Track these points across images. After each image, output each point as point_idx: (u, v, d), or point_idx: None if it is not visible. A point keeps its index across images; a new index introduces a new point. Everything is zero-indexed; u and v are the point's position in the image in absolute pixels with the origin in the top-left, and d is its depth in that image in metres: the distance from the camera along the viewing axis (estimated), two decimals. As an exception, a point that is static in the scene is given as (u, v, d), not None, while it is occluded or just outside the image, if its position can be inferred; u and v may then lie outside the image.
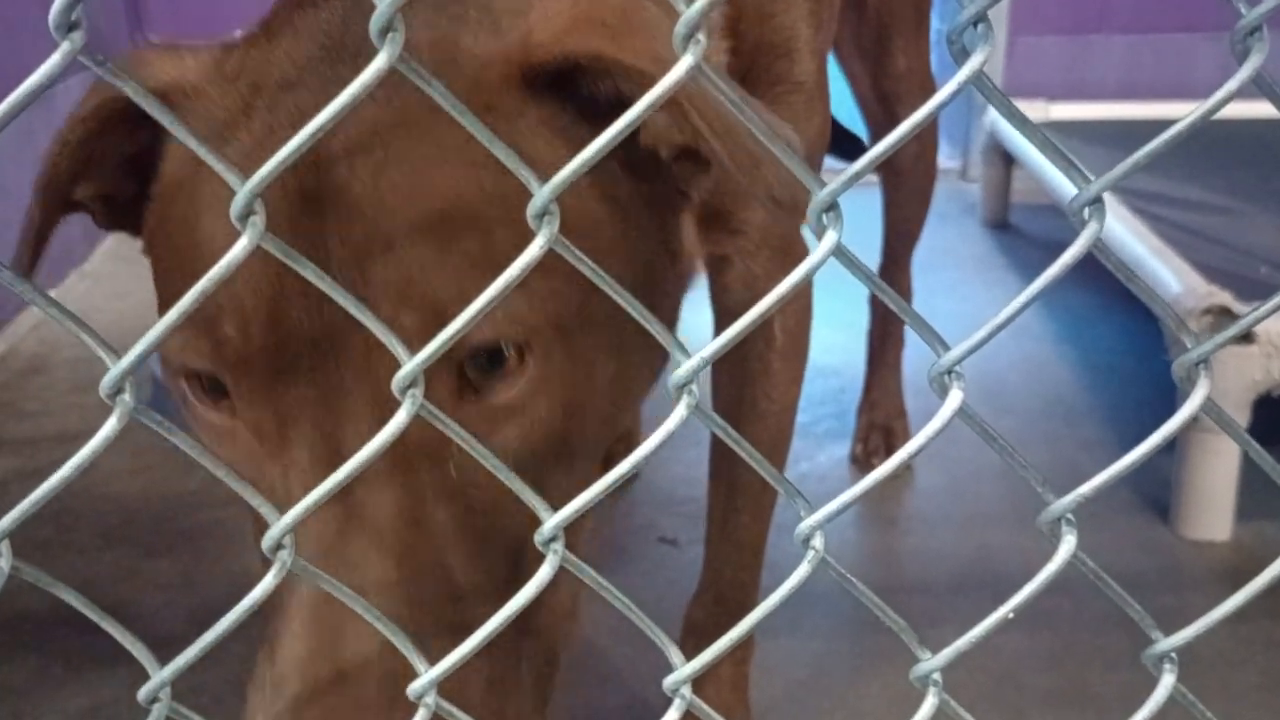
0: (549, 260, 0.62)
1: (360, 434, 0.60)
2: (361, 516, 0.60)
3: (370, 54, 0.61)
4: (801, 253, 1.05)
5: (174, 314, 0.40)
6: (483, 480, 0.62)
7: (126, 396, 0.41)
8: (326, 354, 0.60)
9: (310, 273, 0.42)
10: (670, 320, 0.79)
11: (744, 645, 1.17)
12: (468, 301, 0.58)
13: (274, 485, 0.63)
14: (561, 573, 0.69)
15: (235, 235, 0.60)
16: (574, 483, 0.69)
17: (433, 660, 0.50)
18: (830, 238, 0.43)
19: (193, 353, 0.63)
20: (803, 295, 1.09)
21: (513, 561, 0.66)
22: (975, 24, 0.41)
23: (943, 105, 0.41)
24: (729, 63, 0.89)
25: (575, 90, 0.65)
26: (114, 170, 0.72)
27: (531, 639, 0.67)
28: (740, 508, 1.13)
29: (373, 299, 0.59)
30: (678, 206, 0.74)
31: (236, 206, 0.39)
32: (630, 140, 0.64)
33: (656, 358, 0.75)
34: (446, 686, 0.51)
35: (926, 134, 1.80)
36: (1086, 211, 0.44)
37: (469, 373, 0.62)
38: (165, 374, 0.67)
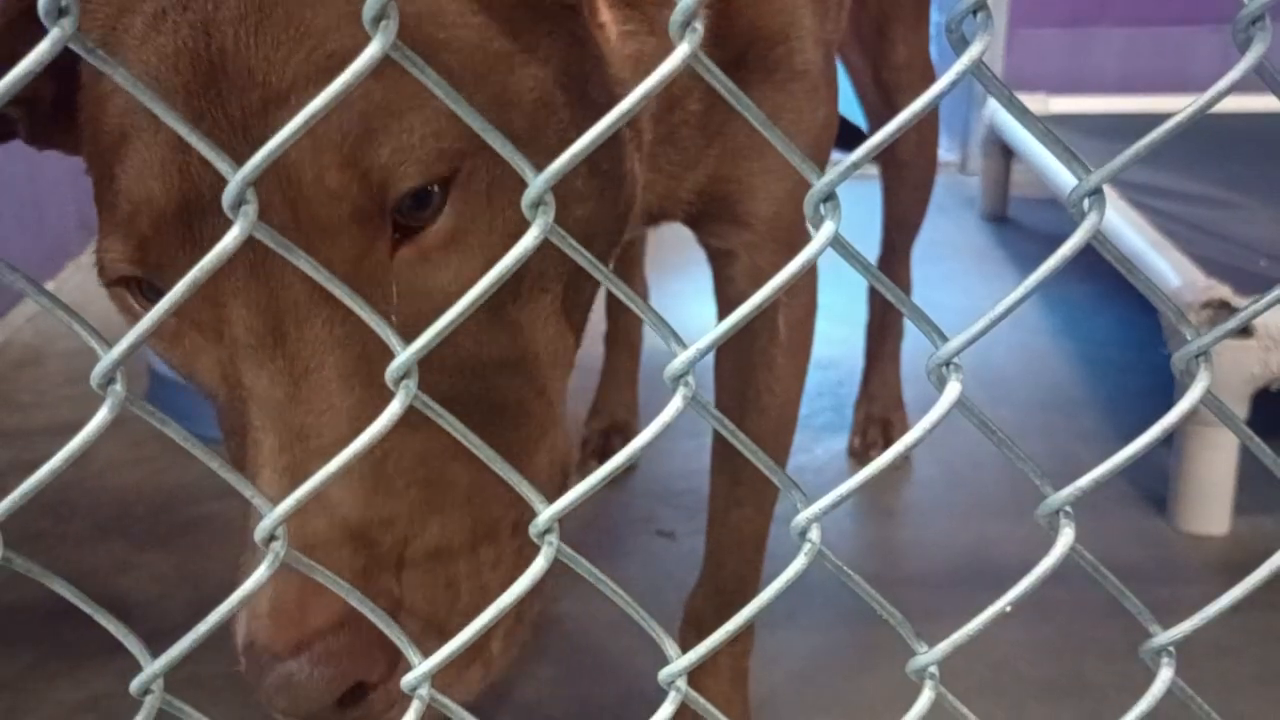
0: (465, 85, 0.61)
1: (294, 298, 0.60)
2: (310, 374, 0.60)
3: None
4: (806, 245, 1.04)
5: (165, 303, 0.40)
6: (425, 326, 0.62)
7: (118, 386, 0.41)
8: (271, 264, 0.59)
9: (304, 263, 0.42)
10: (620, 190, 0.76)
11: (743, 638, 1.17)
12: (378, 142, 0.57)
13: (225, 371, 0.63)
14: (546, 436, 0.69)
15: (157, 141, 0.60)
16: (542, 311, 0.69)
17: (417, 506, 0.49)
18: (828, 228, 0.42)
19: (121, 260, 0.63)
20: (807, 289, 1.09)
21: (496, 405, 0.66)
22: (974, 12, 0.40)
23: (942, 94, 0.41)
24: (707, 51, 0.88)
25: None
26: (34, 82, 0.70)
27: (498, 543, 0.66)
28: (743, 500, 1.12)
29: (293, 173, 0.58)
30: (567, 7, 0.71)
31: (228, 196, 0.39)
32: None
33: (612, 182, 0.73)
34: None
35: (927, 126, 1.79)
36: (1086, 203, 0.44)
37: (399, 219, 0.61)
38: (110, 293, 0.67)
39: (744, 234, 1.00)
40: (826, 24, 1.00)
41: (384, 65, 0.59)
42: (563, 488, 0.70)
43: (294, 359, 0.60)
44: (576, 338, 0.75)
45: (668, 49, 0.39)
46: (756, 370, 1.08)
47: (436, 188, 0.61)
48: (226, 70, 0.59)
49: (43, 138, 0.74)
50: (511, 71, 0.65)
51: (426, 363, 0.44)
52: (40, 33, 0.66)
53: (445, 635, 0.56)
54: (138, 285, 0.65)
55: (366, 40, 0.58)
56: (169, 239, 0.61)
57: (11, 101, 0.69)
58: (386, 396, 0.58)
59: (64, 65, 0.67)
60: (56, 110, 0.71)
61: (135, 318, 0.65)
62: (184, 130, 0.38)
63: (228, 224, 0.57)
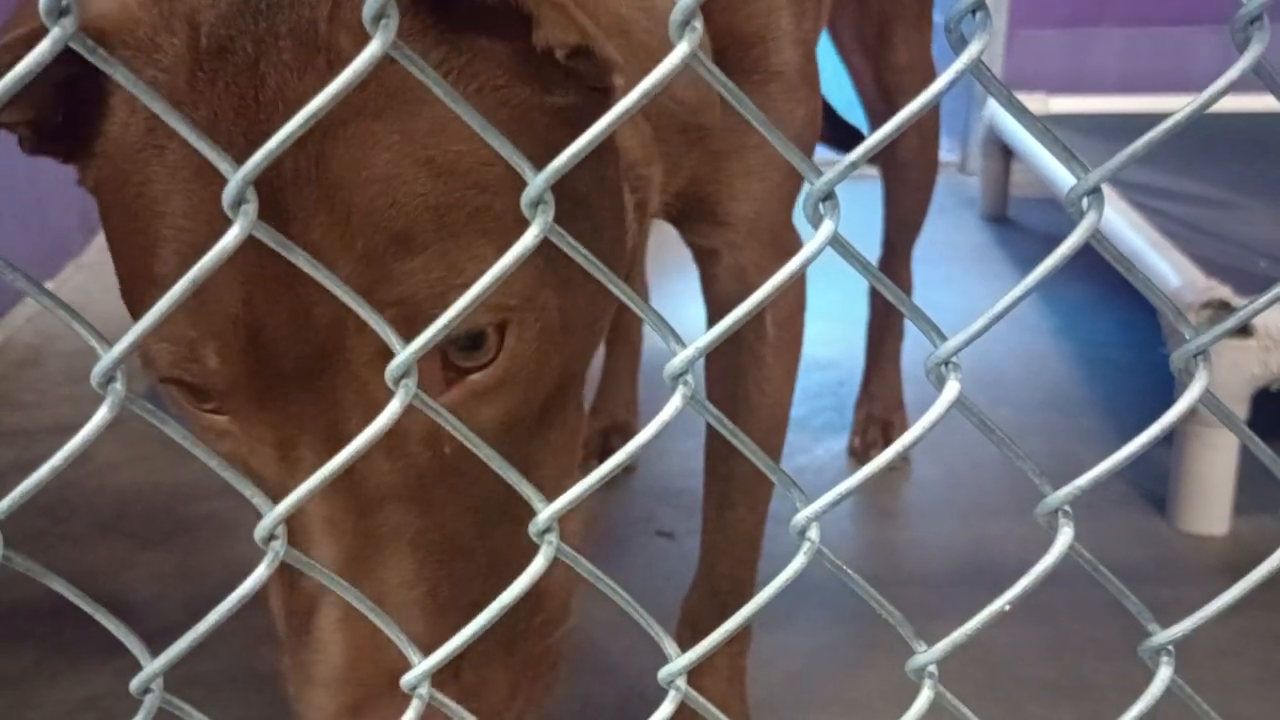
0: (509, 227, 0.61)
1: (350, 429, 0.61)
2: (372, 515, 0.62)
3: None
4: (791, 243, 1.04)
5: (164, 304, 0.40)
6: (478, 464, 0.64)
7: (118, 385, 0.41)
8: (308, 360, 0.61)
9: (304, 261, 0.42)
10: (624, 249, 0.78)
11: (740, 637, 1.17)
12: (437, 293, 0.58)
13: (283, 486, 0.63)
14: (555, 566, 0.70)
15: (198, 211, 0.59)
16: (567, 434, 0.72)
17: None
18: (827, 228, 0.42)
19: (181, 371, 0.63)
20: (795, 288, 1.09)
21: (510, 517, 0.67)
22: (973, 12, 0.40)
23: (941, 94, 0.41)
24: None
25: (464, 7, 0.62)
26: (42, 97, 0.67)
27: (526, 638, 0.69)
28: (736, 501, 1.12)
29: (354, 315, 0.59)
30: (599, 111, 0.71)
31: (229, 194, 0.39)
32: (526, 46, 0.63)
33: (619, 266, 0.75)
34: (439, 677, 0.52)
35: (928, 127, 1.79)
36: (1085, 202, 0.44)
37: (452, 356, 0.63)
38: (148, 374, 0.66)
39: (726, 233, 1.00)
40: (804, 24, 1.00)
41: (452, 210, 0.59)
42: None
43: (354, 493, 0.62)
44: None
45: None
46: (746, 370, 1.08)
47: (491, 331, 0.63)
48: (290, 190, 0.59)
49: (42, 151, 0.73)
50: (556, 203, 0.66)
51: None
52: (66, 59, 0.65)
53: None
54: (185, 385, 0.64)
55: (444, 191, 0.59)
56: (238, 368, 0.61)
57: (18, 118, 0.69)
58: (442, 520, 0.63)
59: (76, 91, 0.67)
60: (62, 132, 0.70)
61: (184, 411, 0.65)
62: (194, 138, 0.38)
63: (293, 341, 0.59)
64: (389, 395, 0.60)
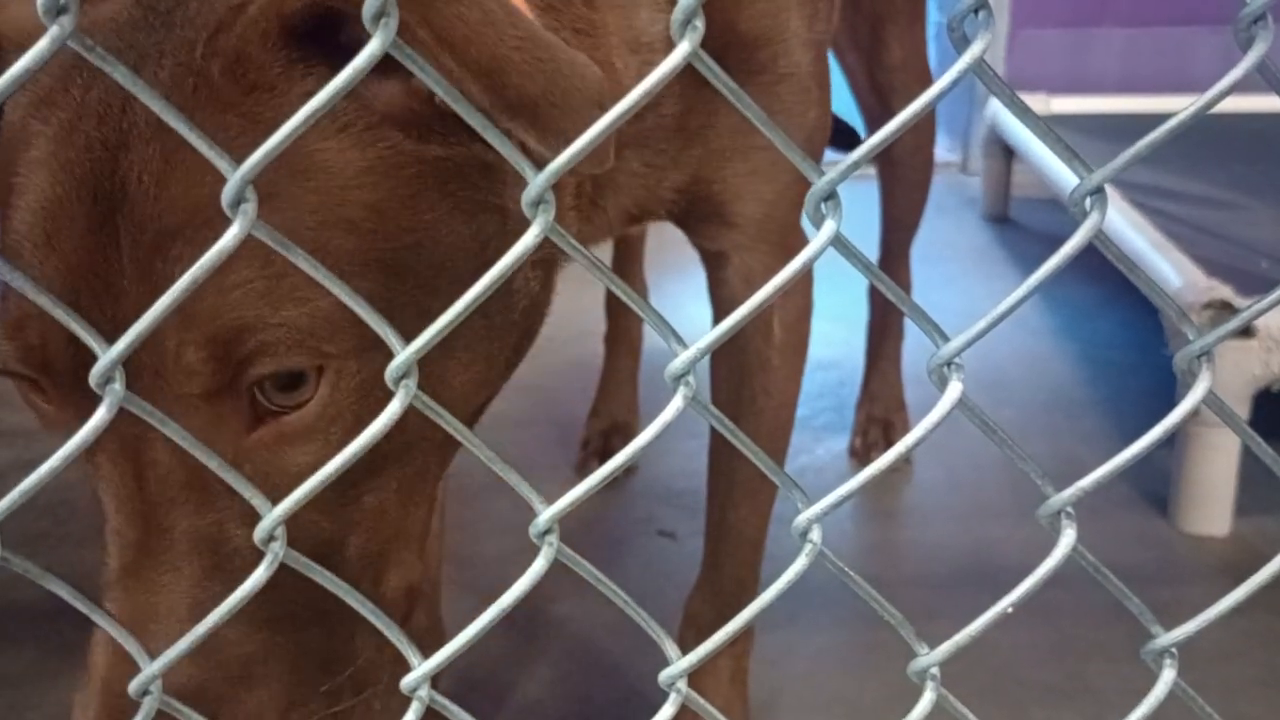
0: (347, 273, 0.59)
1: (155, 444, 0.61)
2: (164, 543, 0.63)
3: (179, 18, 0.59)
4: (800, 246, 1.04)
5: (162, 304, 0.40)
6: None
7: (117, 385, 0.41)
8: (130, 382, 0.59)
9: (304, 261, 0.42)
10: (534, 308, 0.75)
11: (743, 639, 1.17)
12: (261, 320, 0.57)
13: (93, 485, 0.65)
14: (399, 560, 0.69)
15: (45, 224, 0.59)
16: (392, 497, 0.68)
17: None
18: (829, 227, 0.42)
19: (7, 355, 0.62)
20: (802, 290, 1.08)
21: (343, 559, 0.66)
22: (975, 11, 0.40)
23: (943, 93, 0.41)
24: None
25: (338, 41, 0.60)
26: None
27: (326, 690, 0.67)
28: (739, 502, 1.12)
29: (159, 331, 0.56)
30: (473, 169, 0.67)
31: (228, 194, 0.39)
32: (371, 96, 0.61)
33: (492, 364, 0.71)
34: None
35: (923, 126, 1.79)
36: (1088, 202, 0.44)
37: (267, 394, 0.61)
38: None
39: (734, 235, 1.00)
40: (816, 25, 1.00)
41: (275, 255, 0.56)
42: (408, 611, 0.71)
43: (148, 518, 0.64)
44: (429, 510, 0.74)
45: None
46: (752, 372, 1.07)
47: (309, 375, 0.61)
48: (124, 194, 0.59)
49: None
50: (407, 252, 0.64)
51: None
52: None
53: None
54: (18, 377, 0.64)
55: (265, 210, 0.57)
56: (56, 350, 0.60)
57: None
58: (227, 583, 0.59)
59: None
60: None
61: (35, 409, 0.65)
62: (194, 138, 0.38)
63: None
64: (196, 433, 0.59)
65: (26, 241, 0.61)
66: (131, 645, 0.49)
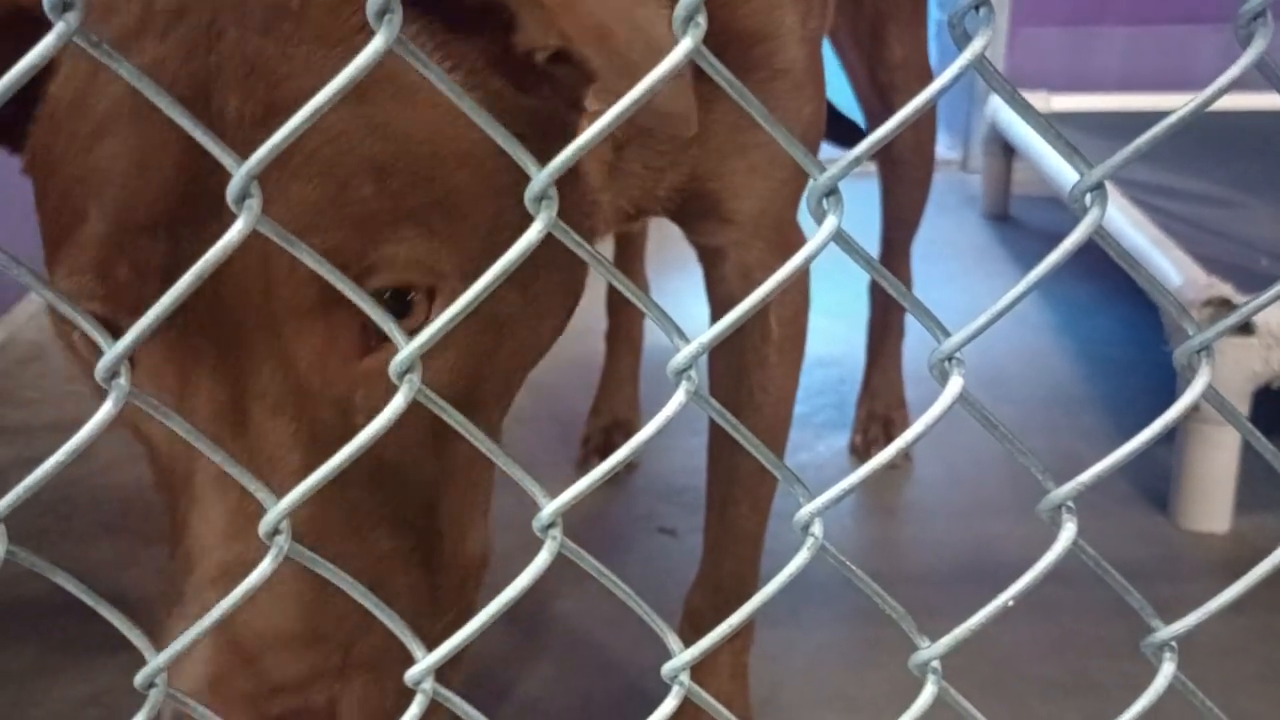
0: (459, 203, 0.61)
1: (260, 382, 0.59)
2: (265, 478, 0.60)
3: None
4: (797, 242, 1.04)
5: (168, 299, 0.40)
6: (393, 436, 0.62)
7: (122, 380, 0.41)
8: (226, 301, 0.59)
9: (306, 255, 0.42)
10: (583, 273, 0.77)
11: (743, 635, 1.17)
12: (370, 243, 0.57)
13: (174, 438, 0.62)
14: (473, 524, 0.69)
15: (133, 156, 0.58)
16: (488, 422, 0.69)
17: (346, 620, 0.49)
18: (830, 222, 0.42)
19: (86, 296, 0.60)
20: (798, 287, 1.09)
21: (428, 506, 0.66)
22: (976, 8, 0.40)
23: (944, 89, 0.41)
24: None
25: None
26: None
27: (444, 592, 0.67)
28: (739, 498, 1.12)
29: (271, 245, 0.57)
30: (570, 125, 0.70)
31: (233, 190, 0.39)
32: (506, 47, 0.63)
33: (563, 304, 0.74)
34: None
35: (924, 123, 1.79)
36: (1088, 198, 0.44)
37: (374, 328, 0.61)
38: (52, 321, 0.65)
39: (731, 232, 1.00)
40: (810, 21, 1.00)
41: (397, 175, 0.58)
42: (465, 592, 0.71)
43: (252, 451, 0.60)
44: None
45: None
46: (750, 369, 1.07)
47: (418, 295, 0.61)
48: (225, 124, 0.59)
49: None
50: (505, 204, 0.65)
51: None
52: (7, 38, 0.65)
53: None
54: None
55: (381, 144, 0.58)
56: (144, 288, 0.59)
57: None
58: (331, 500, 0.59)
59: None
60: (10, 118, 0.69)
61: (81, 359, 0.64)
62: (189, 124, 0.39)
63: (215, 284, 0.56)
64: (306, 354, 0.59)
65: (116, 177, 0.59)
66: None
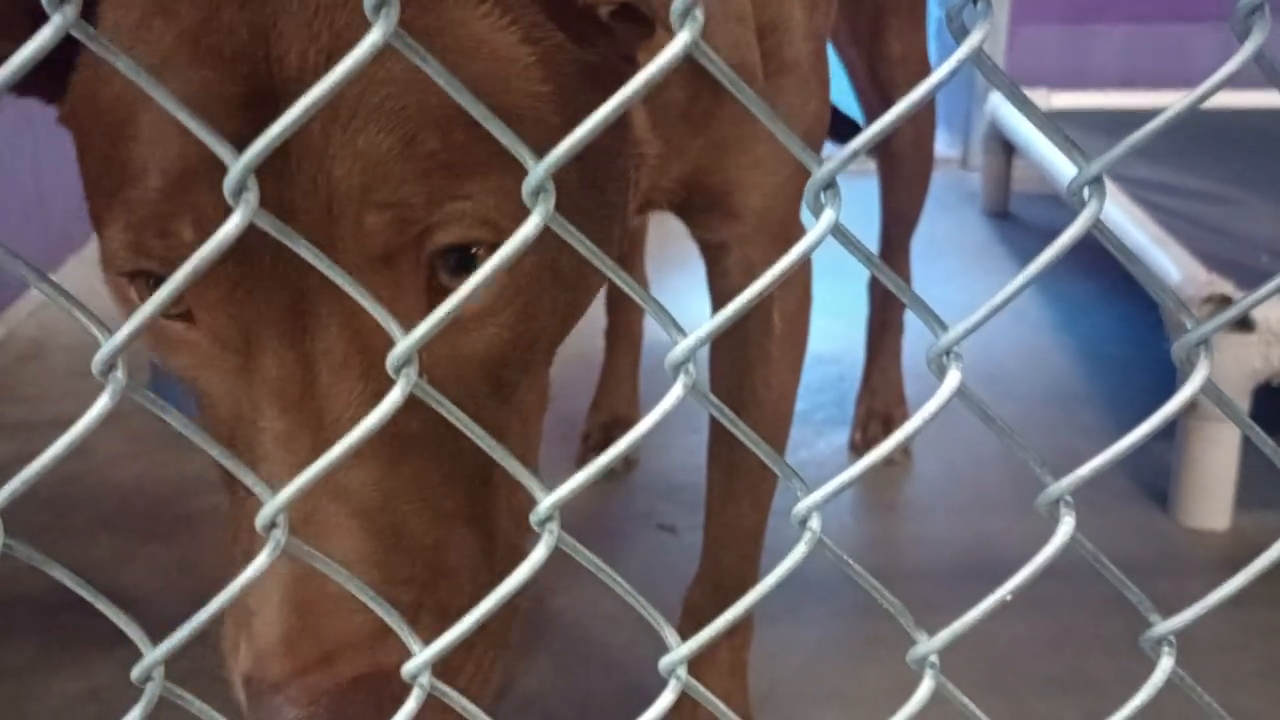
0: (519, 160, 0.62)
1: (327, 340, 0.59)
2: (332, 438, 0.59)
3: None
4: (799, 238, 1.04)
5: (166, 290, 0.40)
6: (453, 383, 0.62)
7: (119, 374, 0.41)
8: (289, 260, 0.58)
9: (303, 249, 0.42)
10: (623, 214, 0.77)
11: (742, 631, 1.17)
12: (435, 201, 0.57)
13: (239, 396, 0.62)
14: (524, 505, 0.70)
15: (191, 106, 0.59)
16: (538, 376, 0.70)
17: (415, 575, 0.49)
18: (828, 216, 0.42)
19: (145, 255, 0.60)
20: (801, 282, 1.09)
21: (484, 461, 0.64)
22: (974, 1, 0.40)
23: (942, 83, 0.41)
24: None
25: None
26: (20, 23, 0.64)
27: (502, 551, 0.67)
28: (739, 494, 1.12)
29: (337, 196, 0.58)
30: (625, 76, 0.71)
31: (229, 183, 0.39)
32: (568, 2, 0.63)
33: (615, 237, 0.75)
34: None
35: (923, 119, 1.79)
36: (1086, 191, 0.44)
37: (439, 275, 0.61)
38: (107, 275, 0.64)
39: (735, 226, 1.00)
40: (816, 17, 1.00)
41: (461, 128, 0.58)
42: (522, 550, 0.72)
43: (320, 410, 0.59)
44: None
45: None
46: (752, 365, 1.07)
47: (482, 253, 0.61)
48: (287, 92, 0.58)
49: (29, 92, 0.70)
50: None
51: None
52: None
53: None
54: (144, 280, 0.63)
55: (444, 100, 0.57)
56: (191, 233, 0.59)
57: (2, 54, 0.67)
58: (396, 461, 0.59)
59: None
60: (49, 71, 0.67)
61: (132, 310, 0.64)
62: (184, 116, 0.38)
63: (277, 274, 0.56)
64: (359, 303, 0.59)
65: (173, 129, 0.58)
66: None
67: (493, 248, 0.60)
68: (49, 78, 0.68)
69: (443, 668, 0.56)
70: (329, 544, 0.57)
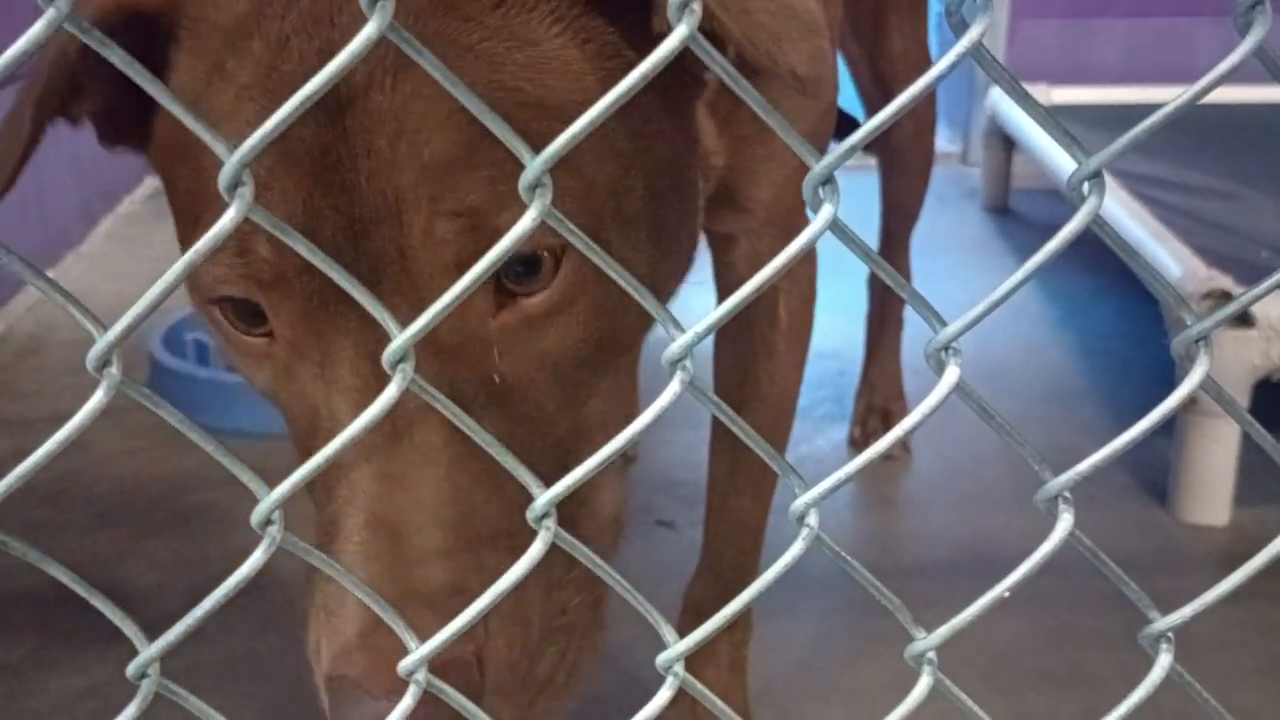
0: (582, 161, 0.62)
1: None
2: (411, 431, 0.60)
3: None
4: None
5: (160, 286, 0.40)
6: (525, 385, 0.64)
7: (114, 369, 0.41)
8: (364, 270, 0.60)
9: (301, 245, 0.42)
10: (694, 224, 0.78)
11: (742, 627, 1.17)
12: (501, 205, 0.58)
13: (318, 406, 0.63)
14: (607, 483, 0.71)
15: (269, 110, 0.60)
16: (618, 379, 0.71)
17: (496, 570, 0.51)
18: (827, 211, 0.42)
19: (225, 277, 0.62)
20: (806, 276, 1.09)
21: (560, 464, 0.66)
22: (974, -5, 0.40)
23: (941, 76, 0.41)
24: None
25: None
26: (114, 82, 0.68)
27: (558, 619, 0.67)
28: (741, 489, 1.12)
29: (407, 207, 0.59)
30: (693, 95, 0.73)
31: (224, 178, 0.39)
32: (643, 25, 0.64)
33: (686, 248, 0.76)
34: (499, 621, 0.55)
35: (924, 115, 1.79)
36: (1086, 186, 0.44)
37: (505, 281, 0.62)
38: (195, 302, 0.66)
39: (744, 219, 1.00)
40: (828, 11, 1.00)
41: (527, 140, 0.59)
42: (601, 550, 0.72)
43: (395, 414, 0.60)
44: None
45: None
46: (757, 358, 1.08)
47: (547, 256, 0.62)
48: (353, 105, 0.59)
49: (119, 142, 0.74)
50: (628, 167, 0.66)
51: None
52: (138, 38, 0.66)
53: (527, 681, 0.61)
54: (231, 305, 0.65)
55: (509, 105, 0.59)
56: (289, 260, 0.60)
57: (91, 108, 0.69)
58: (473, 457, 0.60)
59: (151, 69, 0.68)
60: (134, 119, 0.71)
61: (227, 336, 0.65)
62: (200, 128, 0.38)
63: (363, 250, 0.59)
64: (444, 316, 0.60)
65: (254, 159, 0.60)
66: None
67: (558, 252, 0.62)
68: (134, 128, 0.71)
69: (527, 660, 0.59)
70: (402, 539, 0.59)
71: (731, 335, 1.08)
